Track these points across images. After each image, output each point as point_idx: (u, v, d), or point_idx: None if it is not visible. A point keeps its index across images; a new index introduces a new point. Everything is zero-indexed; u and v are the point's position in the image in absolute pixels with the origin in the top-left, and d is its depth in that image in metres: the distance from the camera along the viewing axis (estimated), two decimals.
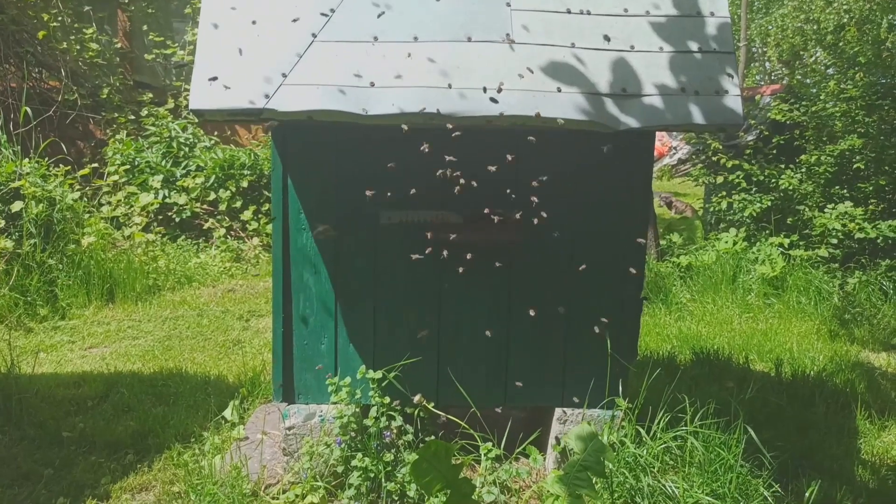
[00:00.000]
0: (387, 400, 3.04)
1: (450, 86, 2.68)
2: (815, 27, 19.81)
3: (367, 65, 2.70)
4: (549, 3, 2.84)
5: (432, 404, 3.12)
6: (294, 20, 2.74)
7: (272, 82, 2.63)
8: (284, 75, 2.65)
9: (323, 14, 2.76)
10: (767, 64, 25.10)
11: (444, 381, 3.17)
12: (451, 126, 2.69)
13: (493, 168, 2.86)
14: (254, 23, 2.74)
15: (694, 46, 2.83)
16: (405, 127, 2.64)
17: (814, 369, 4.92)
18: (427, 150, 2.72)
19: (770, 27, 21.43)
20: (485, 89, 2.68)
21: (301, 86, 2.63)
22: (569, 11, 2.84)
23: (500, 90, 2.68)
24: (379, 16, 2.77)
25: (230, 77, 2.63)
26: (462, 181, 2.82)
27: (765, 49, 23.81)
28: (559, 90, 2.71)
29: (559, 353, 3.18)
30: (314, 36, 2.72)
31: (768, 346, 5.48)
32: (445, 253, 2.93)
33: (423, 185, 2.91)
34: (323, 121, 2.67)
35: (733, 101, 2.75)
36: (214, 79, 2.60)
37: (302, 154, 2.96)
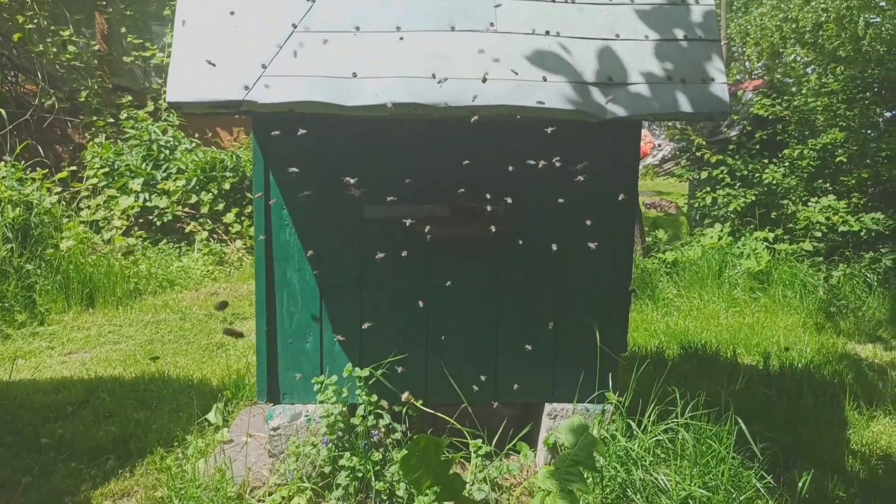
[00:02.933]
0: (374, 398, 2.98)
1: (433, 75, 2.63)
2: (793, 26, 20.04)
3: (350, 55, 2.65)
4: None
5: (421, 402, 3.06)
6: (273, 10, 2.68)
7: (252, 74, 2.56)
8: (264, 66, 2.59)
9: (304, 4, 2.70)
10: (747, 63, 25.35)
11: (432, 377, 3.12)
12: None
13: (469, 161, 2.82)
14: (232, 13, 2.67)
15: (679, 34, 2.80)
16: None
17: (801, 362, 4.92)
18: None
19: (749, 26, 21.66)
20: (469, 79, 2.63)
21: (281, 77, 2.57)
22: (553, 0, 2.80)
23: (484, 80, 2.63)
24: (361, 6, 2.72)
25: (208, 70, 2.56)
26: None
27: (744, 48, 24.06)
28: (545, 79, 2.67)
29: (549, 347, 3.14)
30: (294, 26, 2.66)
31: (755, 340, 5.49)
32: (431, 246, 2.89)
33: (408, 177, 2.86)
34: (304, 112, 2.62)
35: (720, 89, 2.73)
36: (197, 66, 2.53)
37: (283, 148, 2.90)
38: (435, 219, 2.94)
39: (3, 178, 6.21)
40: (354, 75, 2.61)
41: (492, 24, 2.75)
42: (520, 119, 2.72)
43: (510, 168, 2.88)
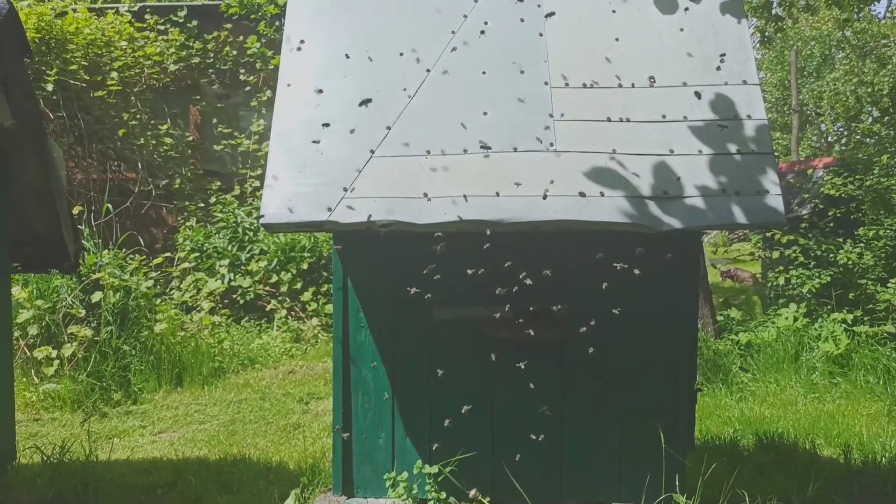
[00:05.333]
0: (443, 495, 3.11)
1: (498, 193, 2.86)
2: (869, 90, 19.62)
3: (421, 176, 2.91)
4: (589, 112, 3.02)
5: (488, 499, 3.17)
6: (354, 138, 2.99)
7: (334, 196, 2.85)
8: (345, 189, 2.87)
9: (381, 131, 3.00)
10: (823, 126, 24.86)
11: (499, 474, 3.22)
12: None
13: (546, 271, 2.99)
14: (317, 141, 2.99)
15: (733, 148, 2.94)
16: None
17: (885, 455, 4.72)
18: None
19: (823, 91, 21.37)
20: (530, 196, 2.84)
21: (360, 199, 2.85)
22: (609, 120, 3.01)
23: (545, 196, 2.83)
24: (431, 131, 3.00)
25: (296, 193, 2.87)
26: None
27: (819, 112, 23.65)
28: (602, 194, 2.85)
29: (613, 446, 3.20)
30: (372, 152, 2.96)
31: (836, 430, 5.30)
32: (497, 347, 3.05)
33: (473, 283, 3.05)
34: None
35: (775, 200, 2.83)
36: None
37: (360, 257, 3.17)
38: (500, 321, 3.11)
39: (107, 264, 6.80)
40: (425, 195, 2.86)
41: (551, 144, 2.97)
42: (580, 231, 2.89)
43: (574, 274, 3.04)
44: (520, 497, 3.16)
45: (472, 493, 3.16)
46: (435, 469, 3.14)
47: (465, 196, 2.85)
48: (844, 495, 4.06)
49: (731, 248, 16.93)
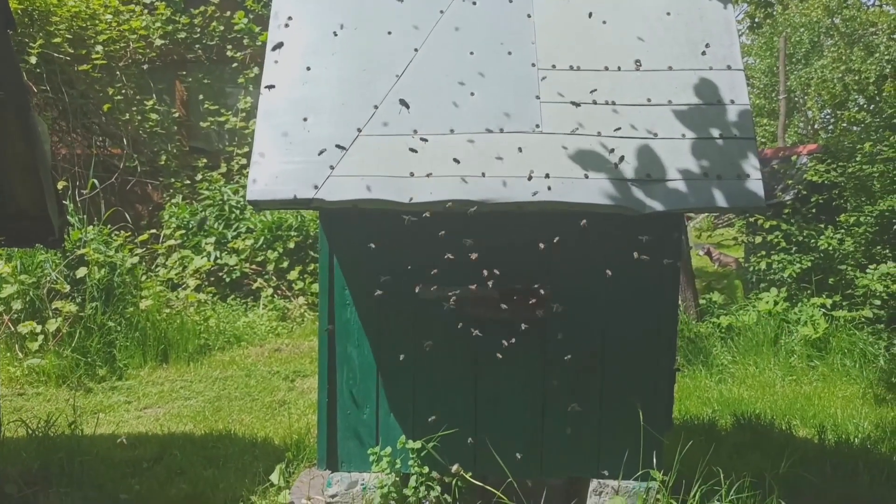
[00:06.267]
0: (426, 470, 3.17)
1: (483, 174, 2.89)
2: (856, 77, 19.74)
3: (408, 156, 2.93)
4: (575, 95, 3.05)
5: (469, 474, 3.23)
6: (341, 116, 3.00)
7: (321, 174, 2.87)
8: (332, 167, 2.89)
9: (368, 110, 3.01)
10: (809, 113, 24.99)
11: (481, 450, 3.28)
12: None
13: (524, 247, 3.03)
14: (305, 119, 3.00)
15: (715, 133, 2.98)
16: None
17: (858, 436, 4.85)
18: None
19: (811, 77, 21.45)
20: (516, 177, 2.87)
21: (347, 177, 2.87)
22: (594, 102, 3.03)
23: (530, 178, 2.86)
24: (418, 111, 3.01)
25: (283, 171, 2.88)
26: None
27: (805, 98, 23.76)
28: (586, 176, 2.89)
29: (593, 424, 3.27)
30: (359, 130, 2.97)
31: (812, 411, 5.42)
32: (480, 326, 3.10)
33: (459, 262, 3.09)
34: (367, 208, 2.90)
35: (755, 185, 2.88)
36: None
37: (346, 235, 3.19)
38: (483, 300, 3.15)
39: (92, 240, 6.77)
40: (412, 174, 2.88)
41: (537, 126, 2.99)
42: (564, 212, 2.93)
43: (556, 255, 3.08)
44: (500, 472, 3.22)
45: (455, 468, 3.22)
46: (418, 444, 3.19)
47: (451, 176, 2.87)
48: (817, 474, 4.17)
49: (715, 232, 17.07)
